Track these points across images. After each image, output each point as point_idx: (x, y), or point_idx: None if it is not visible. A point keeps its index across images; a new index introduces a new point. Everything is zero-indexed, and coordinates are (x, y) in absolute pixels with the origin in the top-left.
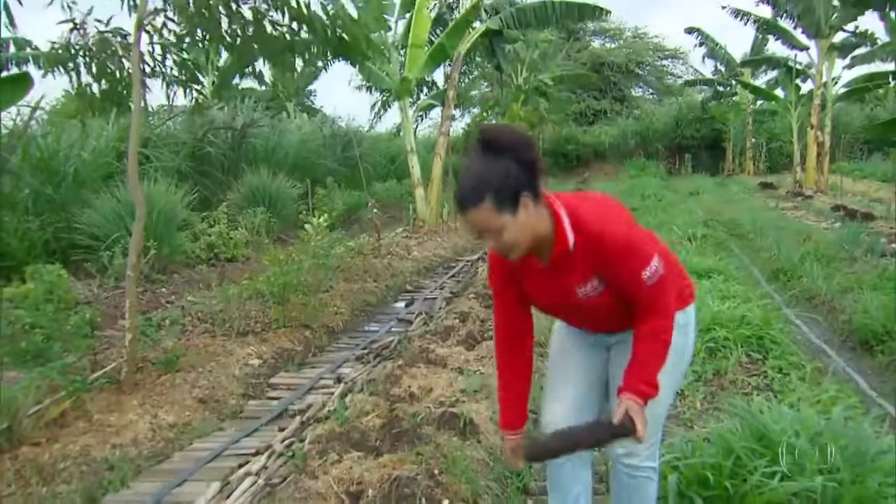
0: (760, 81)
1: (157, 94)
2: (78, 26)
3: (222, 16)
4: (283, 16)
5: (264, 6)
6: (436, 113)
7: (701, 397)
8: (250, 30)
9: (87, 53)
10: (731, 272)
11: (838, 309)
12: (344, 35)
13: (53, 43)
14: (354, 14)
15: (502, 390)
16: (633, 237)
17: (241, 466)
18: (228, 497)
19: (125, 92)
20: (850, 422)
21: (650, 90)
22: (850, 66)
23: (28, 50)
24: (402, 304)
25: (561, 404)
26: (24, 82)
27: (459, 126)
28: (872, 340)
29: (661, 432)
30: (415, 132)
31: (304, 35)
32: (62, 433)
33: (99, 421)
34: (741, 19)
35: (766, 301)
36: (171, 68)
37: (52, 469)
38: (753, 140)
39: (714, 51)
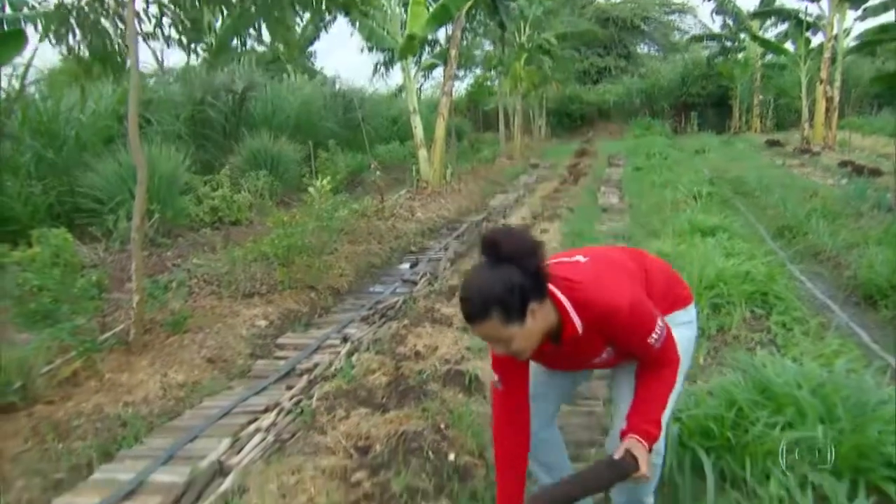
0: (770, 35)
1: (148, 58)
2: None
3: None
4: None
5: None
6: (438, 73)
7: (704, 353)
8: None
9: (80, 13)
10: (736, 229)
11: (843, 264)
12: None
13: (42, 2)
14: None
15: (502, 488)
16: (635, 306)
17: (250, 423)
18: (240, 452)
19: (119, 55)
20: (852, 374)
21: (655, 46)
22: (862, 18)
23: (25, 10)
24: (406, 266)
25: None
26: (18, 39)
27: (462, 86)
28: (877, 295)
29: (668, 417)
30: (419, 92)
31: None
32: (75, 392)
33: (110, 380)
34: None
35: (770, 258)
36: (170, 26)
37: (67, 426)
38: (761, 97)
39: (723, 4)
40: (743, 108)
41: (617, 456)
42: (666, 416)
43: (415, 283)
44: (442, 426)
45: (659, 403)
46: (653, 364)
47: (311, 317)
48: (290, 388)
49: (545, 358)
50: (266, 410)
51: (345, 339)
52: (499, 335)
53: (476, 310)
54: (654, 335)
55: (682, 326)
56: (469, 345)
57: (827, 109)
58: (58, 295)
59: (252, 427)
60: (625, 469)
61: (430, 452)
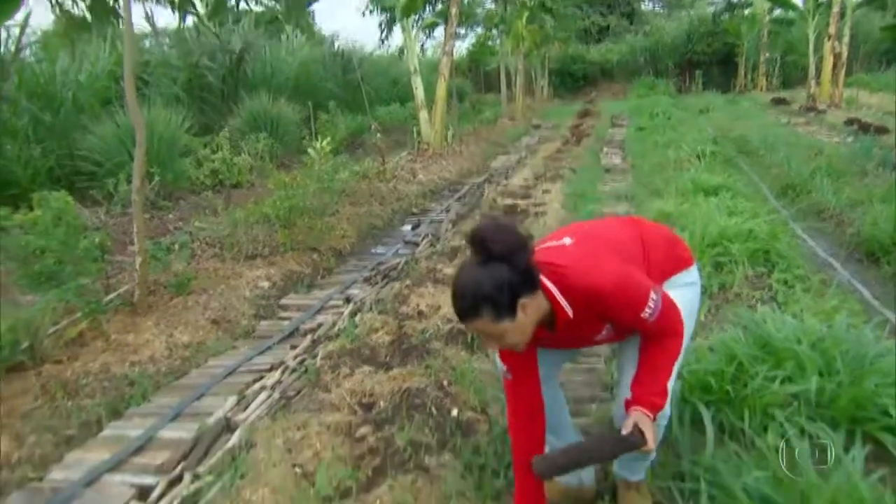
0: None
1: (139, 20)
2: None
3: None
4: None
5: None
6: (439, 32)
7: (706, 310)
8: None
9: None
10: (740, 189)
11: (847, 222)
12: None
13: None
14: None
15: (520, 481)
16: (620, 284)
17: (256, 381)
18: (246, 409)
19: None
20: (852, 329)
21: (659, 3)
22: None
23: None
24: (408, 227)
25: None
26: (14, 0)
27: (463, 46)
28: (879, 252)
29: (672, 383)
30: (421, 50)
31: None
32: (82, 352)
33: (116, 341)
34: None
35: (773, 216)
36: None
37: (76, 385)
38: (767, 54)
39: None
40: (749, 66)
41: (625, 431)
42: (671, 381)
43: (417, 245)
44: (445, 383)
45: (664, 373)
46: (655, 336)
47: (313, 278)
48: (294, 347)
49: (544, 343)
50: (271, 369)
51: (348, 300)
52: (491, 331)
53: (466, 308)
54: (647, 310)
55: (686, 287)
56: None
57: (834, 66)
58: (61, 257)
59: (257, 385)
60: (633, 444)
61: (433, 408)
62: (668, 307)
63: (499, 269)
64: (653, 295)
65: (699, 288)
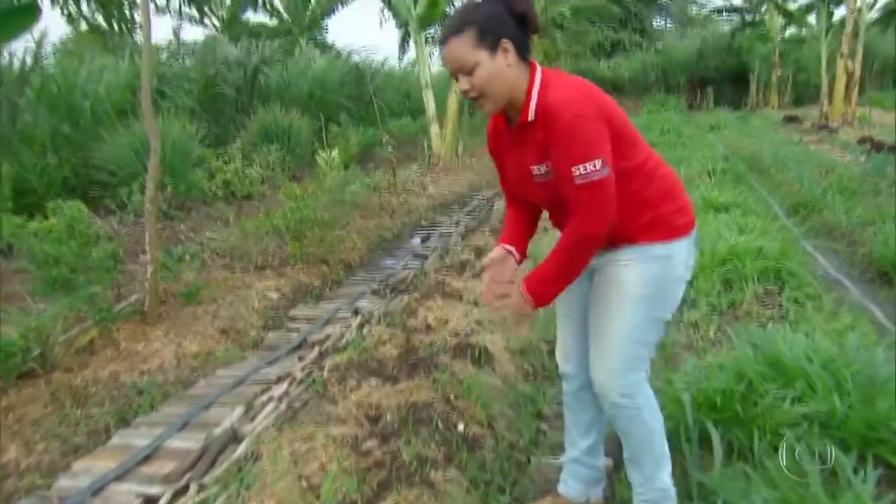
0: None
1: (164, 30)
2: None
3: None
4: None
5: None
6: None
7: (714, 328)
8: None
9: None
10: (750, 206)
11: (858, 241)
12: None
13: None
14: None
15: (507, 221)
16: (582, 123)
17: (263, 392)
18: (253, 419)
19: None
20: (864, 349)
21: (671, 21)
22: None
23: None
24: (417, 240)
25: (565, 339)
26: (31, 13)
27: None
28: (891, 271)
29: (637, 366)
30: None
31: None
32: (92, 360)
33: (126, 349)
34: None
35: (784, 234)
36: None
37: (84, 393)
38: (779, 72)
39: None
40: (761, 83)
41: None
42: (635, 360)
43: (426, 258)
44: (451, 397)
45: (554, 267)
46: (574, 208)
47: (322, 290)
48: (301, 359)
49: (504, 154)
50: (278, 380)
51: (356, 312)
52: (466, 57)
53: (453, 25)
54: (580, 168)
55: (654, 262)
56: (479, 318)
57: (847, 84)
58: (75, 265)
59: (265, 396)
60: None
61: (439, 422)
62: (604, 188)
63: (494, 5)
64: (597, 162)
65: (678, 266)
